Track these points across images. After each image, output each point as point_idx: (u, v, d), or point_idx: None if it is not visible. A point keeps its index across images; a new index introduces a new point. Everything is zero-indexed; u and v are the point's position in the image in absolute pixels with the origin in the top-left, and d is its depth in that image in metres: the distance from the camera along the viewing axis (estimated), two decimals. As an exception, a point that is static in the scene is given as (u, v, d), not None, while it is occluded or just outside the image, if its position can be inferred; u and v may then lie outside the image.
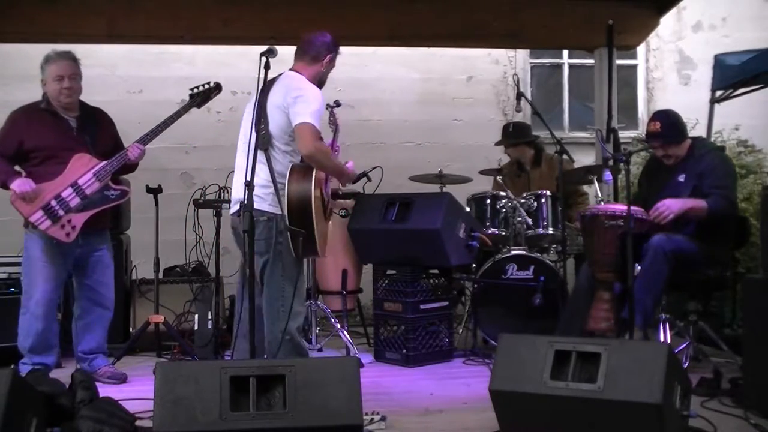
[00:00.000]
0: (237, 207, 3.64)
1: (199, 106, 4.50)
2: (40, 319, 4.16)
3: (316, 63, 3.81)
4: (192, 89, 4.47)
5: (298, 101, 3.58)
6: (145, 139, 4.30)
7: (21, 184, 4.07)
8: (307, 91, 3.64)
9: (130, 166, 4.37)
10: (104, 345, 4.47)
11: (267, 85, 3.61)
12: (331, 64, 3.87)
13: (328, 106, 3.98)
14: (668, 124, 4.43)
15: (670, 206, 4.20)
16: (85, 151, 4.20)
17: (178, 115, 4.37)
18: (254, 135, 3.40)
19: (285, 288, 3.59)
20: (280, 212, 3.54)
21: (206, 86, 4.47)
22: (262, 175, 3.58)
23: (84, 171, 4.16)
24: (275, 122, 3.62)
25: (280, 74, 3.75)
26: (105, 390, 3.62)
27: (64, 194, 4.11)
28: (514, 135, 5.62)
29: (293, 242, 3.52)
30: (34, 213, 4.05)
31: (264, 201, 3.58)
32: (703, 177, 4.34)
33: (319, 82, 3.82)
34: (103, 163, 4.20)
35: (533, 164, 5.63)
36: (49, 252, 4.15)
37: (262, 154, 3.59)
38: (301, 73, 3.77)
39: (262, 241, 3.57)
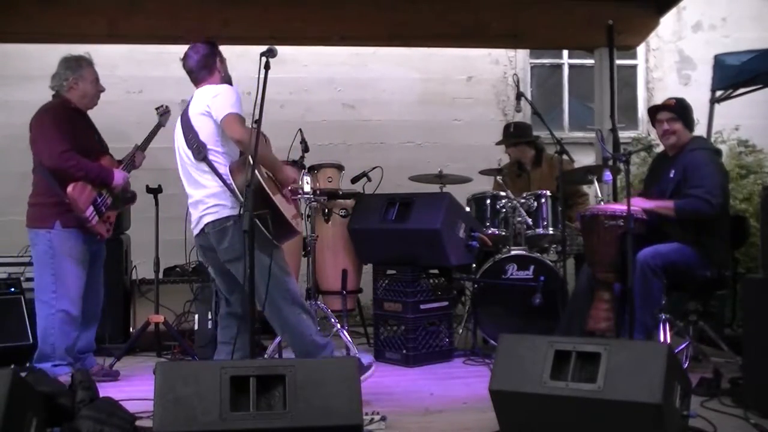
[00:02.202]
0: (201, 226, 3.79)
1: (165, 125, 4.68)
2: (77, 319, 4.15)
3: (213, 72, 3.92)
4: (157, 108, 4.70)
5: (216, 101, 3.73)
6: (144, 147, 4.52)
7: (124, 177, 4.33)
8: (221, 90, 3.78)
9: None
10: (94, 344, 4.47)
11: (185, 110, 3.87)
12: (224, 63, 3.99)
13: None
14: (682, 106, 4.53)
15: (635, 203, 4.23)
16: (105, 149, 4.37)
17: (153, 133, 4.58)
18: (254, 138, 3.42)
19: (280, 276, 3.68)
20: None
21: (164, 106, 4.73)
22: (212, 184, 3.72)
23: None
24: (204, 130, 3.77)
25: (192, 96, 3.92)
26: (105, 390, 3.61)
27: (103, 192, 4.24)
28: (515, 134, 5.62)
29: (265, 227, 3.52)
30: (87, 208, 4.12)
31: (225, 207, 3.70)
32: (686, 174, 4.35)
33: (227, 83, 3.94)
34: (122, 166, 4.38)
35: (534, 164, 5.63)
36: (81, 250, 4.19)
37: (204, 164, 3.74)
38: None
39: (236, 245, 3.64)
